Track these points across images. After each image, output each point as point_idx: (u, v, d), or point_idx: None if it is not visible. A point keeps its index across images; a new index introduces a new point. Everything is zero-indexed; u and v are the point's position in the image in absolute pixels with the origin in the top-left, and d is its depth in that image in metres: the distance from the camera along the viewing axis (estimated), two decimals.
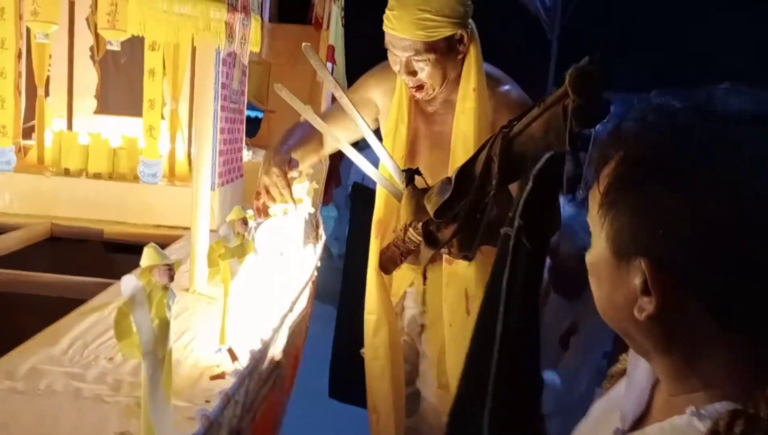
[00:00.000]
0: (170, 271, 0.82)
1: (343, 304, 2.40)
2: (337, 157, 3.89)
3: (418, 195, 1.40)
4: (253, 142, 3.96)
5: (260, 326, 1.26)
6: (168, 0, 1.54)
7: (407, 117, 1.68)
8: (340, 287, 2.49)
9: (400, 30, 1.53)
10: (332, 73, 3.68)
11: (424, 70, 1.57)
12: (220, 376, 1.14)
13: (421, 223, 1.36)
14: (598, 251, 0.62)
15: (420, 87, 1.61)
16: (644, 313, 0.57)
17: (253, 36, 1.71)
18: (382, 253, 1.56)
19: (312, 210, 1.96)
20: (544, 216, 0.80)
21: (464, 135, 1.59)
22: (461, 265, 1.58)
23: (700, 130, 0.55)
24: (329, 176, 3.71)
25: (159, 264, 0.82)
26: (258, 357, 1.15)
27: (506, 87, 1.67)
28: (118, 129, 2.80)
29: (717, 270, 0.53)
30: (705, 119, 0.55)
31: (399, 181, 1.48)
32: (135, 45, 4.55)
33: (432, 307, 1.75)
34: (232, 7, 1.62)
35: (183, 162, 2.68)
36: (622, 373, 0.74)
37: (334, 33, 3.84)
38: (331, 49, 3.78)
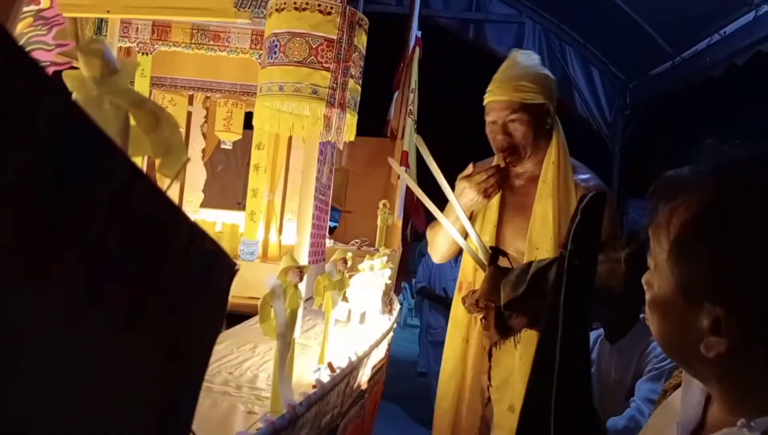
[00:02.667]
0: (301, 272, 1.11)
1: None
2: (407, 252, 4.19)
3: (498, 277, 1.59)
4: (332, 238, 4.35)
5: (352, 353, 1.51)
6: (279, 99, 1.92)
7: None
8: None
9: (500, 94, 1.81)
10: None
11: (518, 130, 1.80)
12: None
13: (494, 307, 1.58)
14: (665, 291, 0.65)
15: (513, 150, 1.83)
16: (713, 352, 0.60)
17: (348, 127, 2.06)
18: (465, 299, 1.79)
19: (389, 281, 2.23)
20: (590, 241, 0.97)
21: (544, 199, 1.81)
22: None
23: None
24: (399, 268, 3.99)
25: (293, 266, 1.11)
26: (348, 371, 1.39)
27: (586, 175, 1.87)
28: (214, 218, 3.24)
29: None
30: None
31: (482, 254, 1.70)
32: (229, 155, 5.17)
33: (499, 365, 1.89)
34: (330, 104, 1.97)
35: (275, 244, 3.04)
36: (675, 387, 0.80)
37: (408, 141, 4.29)
38: (405, 155, 4.22)
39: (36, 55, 0.99)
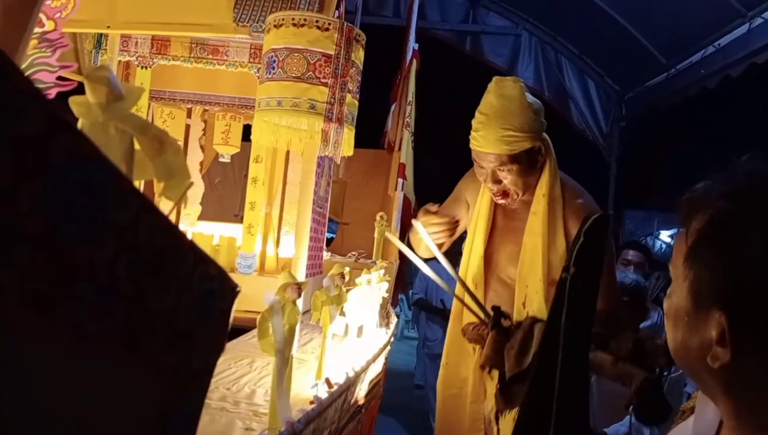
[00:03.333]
0: (299, 289, 1.12)
1: None
2: (404, 263, 4.20)
3: (502, 341, 1.57)
4: (329, 250, 4.35)
5: (349, 368, 1.52)
6: (278, 115, 1.93)
7: (488, 213, 1.87)
8: None
9: (486, 147, 1.71)
10: (402, 187, 4.12)
11: (508, 178, 1.74)
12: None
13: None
14: (678, 298, 0.66)
15: (505, 194, 1.78)
16: (717, 362, 0.60)
17: (346, 141, 2.07)
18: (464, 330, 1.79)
19: (386, 295, 2.24)
20: (593, 263, 0.95)
21: (534, 234, 1.77)
22: None
23: None
24: (396, 280, 3.99)
25: (291, 283, 1.12)
26: (345, 386, 1.39)
27: (580, 200, 1.82)
28: (211, 231, 3.24)
29: None
30: None
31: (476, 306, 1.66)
32: (227, 167, 5.18)
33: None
34: (328, 119, 1.98)
35: (272, 257, 3.05)
36: (692, 409, 0.78)
37: (405, 153, 4.31)
38: (403, 167, 4.24)
39: (40, 76, 1.01)
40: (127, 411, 0.37)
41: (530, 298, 1.72)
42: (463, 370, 1.85)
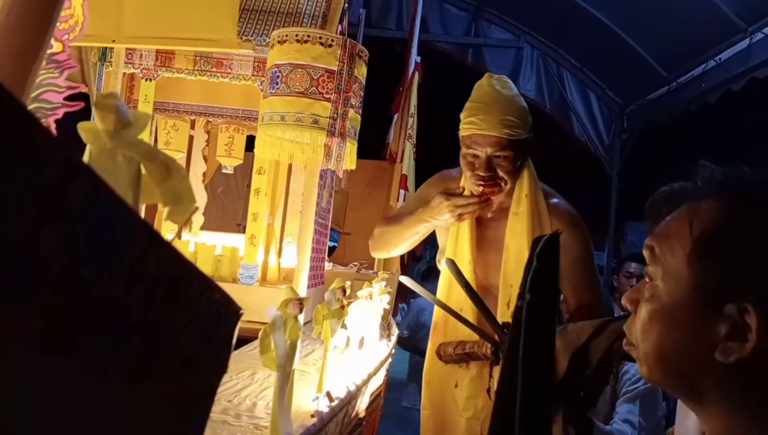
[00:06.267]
0: (301, 304, 1.13)
1: None
2: (404, 273, 4.21)
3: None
4: (331, 259, 4.37)
5: (350, 381, 1.53)
6: (281, 129, 1.95)
7: (471, 222, 1.80)
8: None
9: (487, 129, 1.70)
10: (404, 198, 4.14)
11: (502, 166, 1.72)
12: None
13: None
14: (676, 298, 0.63)
15: (494, 184, 1.74)
16: (734, 356, 0.58)
17: (348, 156, 2.08)
18: (443, 347, 1.75)
19: (387, 306, 2.25)
20: (549, 286, 0.91)
21: (518, 235, 1.75)
22: None
23: None
24: (397, 290, 4.00)
25: (293, 298, 1.13)
26: (347, 400, 1.40)
27: (555, 200, 1.84)
28: (213, 241, 3.25)
29: None
30: None
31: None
32: (229, 176, 5.20)
33: None
34: (331, 133, 1.99)
35: (274, 267, 3.06)
36: None
37: (407, 165, 4.33)
38: (404, 178, 4.26)
39: (47, 96, 1.03)
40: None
41: (515, 298, 1.68)
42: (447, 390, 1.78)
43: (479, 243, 1.86)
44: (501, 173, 1.74)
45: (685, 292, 0.61)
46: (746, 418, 0.60)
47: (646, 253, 0.69)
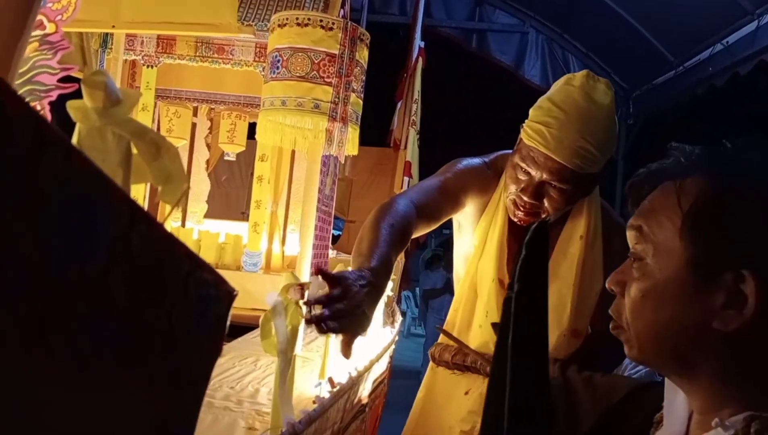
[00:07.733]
0: (302, 289, 1.12)
1: None
2: (408, 261, 4.20)
3: None
4: (335, 247, 4.36)
5: (352, 367, 1.52)
6: (282, 114, 1.92)
7: (501, 236, 1.50)
8: None
9: (555, 151, 1.34)
10: (408, 185, 4.12)
11: (552, 199, 1.40)
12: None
13: None
14: (668, 273, 0.62)
15: (535, 214, 1.42)
16: (734, 324, 0.58)
17: (350, 141, 2.05)
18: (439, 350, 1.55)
19: (391, 293, 2.24)
20: (539, 276, 0.88)
21: (558, 284, 1.44)
22: None
23: None
24: (401, 277, 3.99)
25: (293, 283, 1.12)
26: (348, 386, 1.40)
27: (617, 218, 1.56)
28: (217, 229, 3.25)
29: None
30: None
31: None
32: (233, 165, 5.19)
33: None
34: (332, 118, 1.97)
35: (278, 255, 3.06)
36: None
37: (411, 152, 4.31)
38: (408, 165, 4.23)
39: (41, 78, 1.01)
40: (121, 424, 0.37)
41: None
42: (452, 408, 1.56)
43: (510, 256, 1.51)
44: (547, 205, 1.40)
45: (678, 265, 0.61)
46: (737, 390, 0.60)
47: (631, 233, 0.68)
